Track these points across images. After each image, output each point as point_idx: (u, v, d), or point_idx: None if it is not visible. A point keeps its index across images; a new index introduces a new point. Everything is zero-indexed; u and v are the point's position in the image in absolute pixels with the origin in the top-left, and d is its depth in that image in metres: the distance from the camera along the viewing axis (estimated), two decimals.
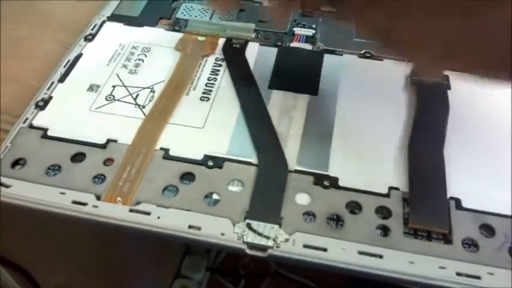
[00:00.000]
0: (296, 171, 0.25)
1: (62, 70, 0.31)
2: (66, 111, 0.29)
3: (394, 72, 0.31)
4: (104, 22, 0.35)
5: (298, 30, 0.34)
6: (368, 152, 0.26)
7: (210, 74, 0.31)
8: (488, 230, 0.23)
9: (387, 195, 0.24)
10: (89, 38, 0.33)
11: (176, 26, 0.34)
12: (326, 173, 0.25)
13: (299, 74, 0.31)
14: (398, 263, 0.22)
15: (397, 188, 0.25)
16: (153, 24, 0.35)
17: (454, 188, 0.24)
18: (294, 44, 0.33)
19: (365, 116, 0.28)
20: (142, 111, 0.28)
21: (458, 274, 0.21)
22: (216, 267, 0.66)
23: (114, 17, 0.35)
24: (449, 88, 0.29)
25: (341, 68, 0.31)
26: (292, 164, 0.26)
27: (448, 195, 0.24)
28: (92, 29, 0.34)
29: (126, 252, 0.47)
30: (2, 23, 0.36)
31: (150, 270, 0.56)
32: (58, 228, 0.33)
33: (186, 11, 0.35)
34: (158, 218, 0.23)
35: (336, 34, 0.34)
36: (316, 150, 0.26)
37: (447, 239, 0.23)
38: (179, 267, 0.63)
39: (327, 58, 0.32)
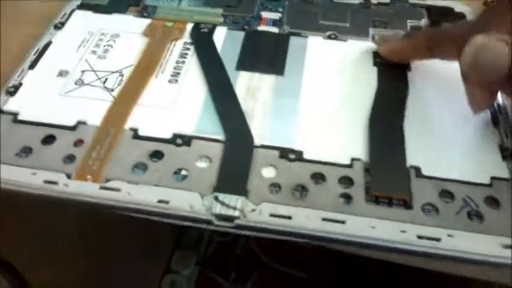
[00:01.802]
0: (262, 146, 0.26)
1: (32, 58, 0.31)
2: (36, 96, 0.29)
3: (357, 53, 0.32)
4: (73, 10, 0.35)
5: (265, 14, 0.35)
6: (332, 127, 0.27)
7: (179, 58, 0.31)
8: (447, 196, 0.24)
9: (350, 166, 0.25)
10: (59, 26, 0.34)
11: (145, 12, 0.35)
12: (291, 147, 0.26)
13: (266, 56, 0.32)
14: (361, 228, 0.23)
15: (359, 159, 0.25)
16: (122, 11, 0.35)
17: (414, 158, 0.25)
18: (261, 28, 0.34)
19: (329, 94, 0.29)
20: (111, 94, 0.29)
21: (419, 237, 0.22)
22: (206, 261, 0.67)
23: (83, 6, 0.36)
24: (409, 69, 0.30)
25: (307, 49, 0.32)
26: (259, 139, 0.26)
27: (408, 164, 0.25)
28: (62, 18, 0.34)
29: (114, 247, 0.48)
30: None
31: (139, 266, 0.56)
32: (43, 223, 0.34)
33: None
34: (128, 193, 0.24)
35: (302, 17, 0.35)
36: (282, 126, 0.27)
37: (408, 204, 0.24)
38: (169, 262, 0.63)
39: (293, 40, 0.33)
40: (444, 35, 0.28)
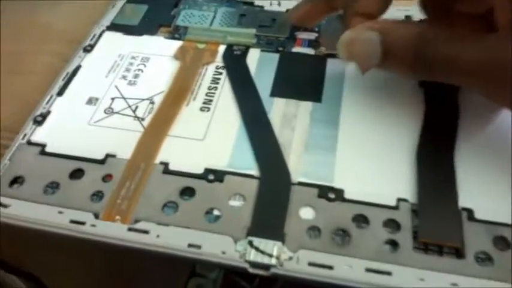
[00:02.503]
0: (299, 183, 0.24)
1: (60, 83, 0.31)
2: (65, 126, 0.28)
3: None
4: (103, 32, 0.34)
5: (300, 34, 0.33)
6: (375, 162, 0.25)
7: (211, 83, 0.30)
8: (502, 243, 0.22)
9: (396, 207, 0.23)
10: (88, 49, 0.33)
11: (176, 33, 0.34)
12: (331, 185, 0.24)
13: (301, 81, 0.30)
14: (408, 280, 0.21)
15: (405, 200, 0.24)
16: (152, 32, 0.34)
17: (465, 198, 0.23)
18: (296, 49, 0.32)
19: (371, 122, 0.27)
20: (142, 124, 0.28)
21: None
22: None
23: (113, 27, 0.34)
24: (458, 89, 0.28)
25: (346, 72, 0.30)
26: (296, 175, 0.25)
27: (460, 206, 0.23)
28: (91, 40, 0.34)
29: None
30: (1, 37, 0.35)
31: (163, 270, 0.56)
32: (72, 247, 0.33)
33: (185, 17, 0.35)
34: (157, 236, 0.23)
35: (339, 37, 0.33)
36: (320, 161, 0.25)
37: (459, 253, 0.22)
38: (194, 265, 0.63)
39: (331, 62, 0.31)
40: None
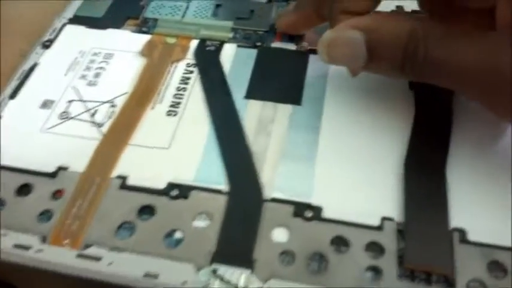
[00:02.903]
0: (273, 200, 0.22)
1: (14, 84, 0.28)
2: (15, 134, 0.25)
3: None
4: (64, 25, 0.31)
5: None
6: (358, 174, 0.23)
7: (180, 83, 0.27)
8: (498, 269, 0.19)
9: (379, 228, 0.21)
10: (47, 45, 0.30)
11: (144, 26, 0.31)
12: (308, 202, 0.22)
13: (280, 80, 0.27)
14: None
15: (391, 219, 0.21)
16: (118, 25, 0.31)
17: (457, 217, 0.21)
18: (276, 44, 0.29)
19: (355, 129, 0.24)
20: (100, 131, 0.25)
21: None
22: None
23: (76, 19, 0.31)
24: (452, 93, 0.25)
25: (329, 71, 0.27)
26: (269, 191, 0.22)
27: (451, 226, 0.21)
28: (51, 34, 0.31)
29: None
30: None
31: None
32: None
33: (155, 9, 0.32)
34: (110, 264, 0.20)
35: (323, 31, 0.30)
36: (298, 173, 0.23)
37: (449, 281, 0.19)
38: None
39: (313, 59, 0.28)
40: None
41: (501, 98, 0.19)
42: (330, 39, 0.22)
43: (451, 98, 0.25)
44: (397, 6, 0.31)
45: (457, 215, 0.21)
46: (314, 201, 0.22)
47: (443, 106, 0.25)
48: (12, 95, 0.27)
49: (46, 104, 0.26)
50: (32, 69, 0.28)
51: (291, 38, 0.29)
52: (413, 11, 0.29)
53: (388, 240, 0.20)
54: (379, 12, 0.23)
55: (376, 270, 0.20)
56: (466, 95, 0.21)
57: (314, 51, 0.28)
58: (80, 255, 0.20)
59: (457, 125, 0.24)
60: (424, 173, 0.22)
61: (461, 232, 0.20)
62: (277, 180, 0.23)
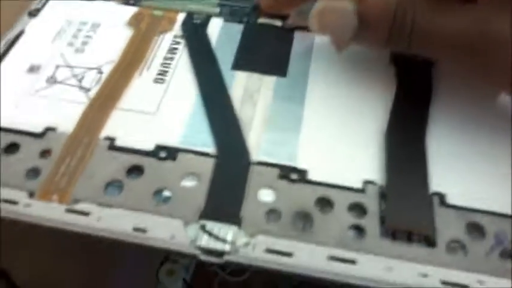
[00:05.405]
0: (259, 163, 0.22)
1: (1, 49, 0.27)
2: (3, 96, 0.25)
3: (372, 50, 0.28)
4: None
5: None
6: (341, 141, 0.23)
7: (167, 53, 0.27)
8: (477, 230, 0.20)
9: (362, 190, 0.21)
10: (34, 14, 0.30)
11: None
12: (293, 165, 0.22)
13: (266, 54, 0.28)
14: (374, 270, 0.19)
15: (373, 182, 0.22)
16: None
17: (437, 182, 0.22)
18: (263, 20, 0.30)
19: (338, 100, 0.25)
20: (87, 95, 0.25)
21: (443, 283, 0.19)
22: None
23: None
24: (433, 64, 0.26)
25: (314, 46, 0.28)
26: (255, 154, 0.23)
27: (431, 190, 0.21)
28: (38, 3, 0.30)
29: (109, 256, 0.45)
30: None
31: (136, 254, 0.54)
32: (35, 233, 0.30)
33: None
34: (99, 219, 0.20)
35: (309, 9, 0.30)
36: (283, 140, 0.23)
37: (430, 241, 0.20)
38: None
39: (298, 35, 0.29)
40: None
41: (489, 63, 0.19)
42: (321, 8, 0.23)
43: (430, 71, 0.26)
44: None
45: (436, 180, 0.22)
46: (299, 164, 0.22)
47: (423, 78, 0.25)
48: None
49: (33, 69, 0.26)
50: (18, 36, 0.28)
51: (278, 15, 0.30)
52: None
53: (371, 201, 0.21)
54: None
55: (359, 229, 0.20)
56: (453, 63, 0.22)
57: (299, 28, 0.29)
58: (68, 210, 0.20)
59: (436, 96, 0.25)
60: (405, 140, 0.23)
61: (441, 196, 0.21)
62: (263, 145, 0.23)
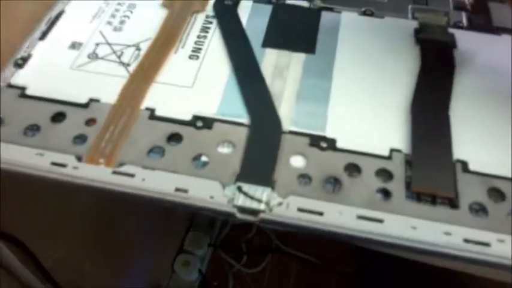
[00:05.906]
0: (291, 132, 0.24)
1: (42, 28, 0.29)
2: (46, 70, 0.27)
3: (396, 30, 0.29)
4: None
5: None
6: (368, 113, 0.25)
7: (200, 32, 0.29)
8: (497, 195, 0.22)
9: (389, 158, 0.23)
10: None
11: None
12: (323, 134, 0.24)
13: (295, 32, 0.29)
14: (400, 228, 0.20)
15: (399, 150, 0.23)
16: None
17: (460, 150, 0.23)
18: (290, 2, 0.31)
19: (365, 75, 0.26)
20: (127, 70, 0.26)
21: (465, 241, 0.20)
22: (219, 243, 0.66)
23: None
24: (455, 46, 0.27)
25: (340, 26, 0.29)
26: (287, 124, 0.24)
27: (454, 158, 0.23)
28: None
29: (128, 226, 0.46)
30: None
31: (152, 245, 0.55)
32: (57, 201, 0.32)
33: None
34: (143, 180, 0.22)
35: None
36: (313, 111, 0.25)
37: (453, 203, 0.21)
38: (182, 242, 0.62)
39: (325, 15, 0.30)
40: None
41: None
42: None
43: (451, 51, 0.27)
44: None
45: (460, 149, 0.23)
46: (328, 134, 0.24)
47: (446, 56, 0.27)
48: (42, 37, 0.28)
49: (74, 46, 0.28)
50: (59, 15, 0.30)
51: None
52: None
53: (397, 168, 0.22)
54: None
55: (385, 192, 0.22)
56: None
57: (326, 9, 0.30)
58: (115, 172, 0.22)
59: (459, 72, 0.26)
60: (430, 111, 0.24)
61: (464, 163, 0.22)
62: (294, 116, 0.24)
